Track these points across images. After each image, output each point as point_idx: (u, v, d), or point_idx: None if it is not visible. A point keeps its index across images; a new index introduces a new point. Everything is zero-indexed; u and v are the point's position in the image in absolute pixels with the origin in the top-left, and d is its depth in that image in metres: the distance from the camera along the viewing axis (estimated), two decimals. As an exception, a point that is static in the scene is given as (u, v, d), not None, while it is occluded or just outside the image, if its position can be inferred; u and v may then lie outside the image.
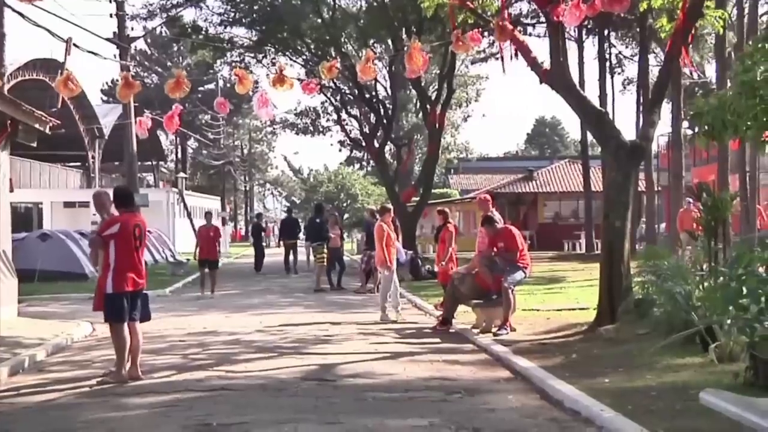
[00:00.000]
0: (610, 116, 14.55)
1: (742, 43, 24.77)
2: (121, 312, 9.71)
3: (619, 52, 42.00)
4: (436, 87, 32.13)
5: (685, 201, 22.13)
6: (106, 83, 75.68)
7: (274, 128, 70.69)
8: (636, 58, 37.44)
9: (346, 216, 56.91)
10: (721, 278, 10.05)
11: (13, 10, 16.59)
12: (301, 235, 29.28)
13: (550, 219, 45.48)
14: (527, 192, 45.99)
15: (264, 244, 32.76)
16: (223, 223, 52.98)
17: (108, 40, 26.64)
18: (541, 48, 15.74)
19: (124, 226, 9.74)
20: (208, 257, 21.41)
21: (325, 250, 22.86)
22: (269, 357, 11.54)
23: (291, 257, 29.78)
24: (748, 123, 9.01)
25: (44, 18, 76.26)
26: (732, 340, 8.91)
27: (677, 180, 29.64)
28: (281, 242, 30.72)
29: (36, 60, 36.66)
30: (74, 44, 16.57)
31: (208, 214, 23.44)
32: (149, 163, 64.02)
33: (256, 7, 33.51)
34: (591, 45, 38.57)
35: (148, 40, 66.18)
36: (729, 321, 8.91)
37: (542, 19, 22.12)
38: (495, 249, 13.24)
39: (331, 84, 34.02)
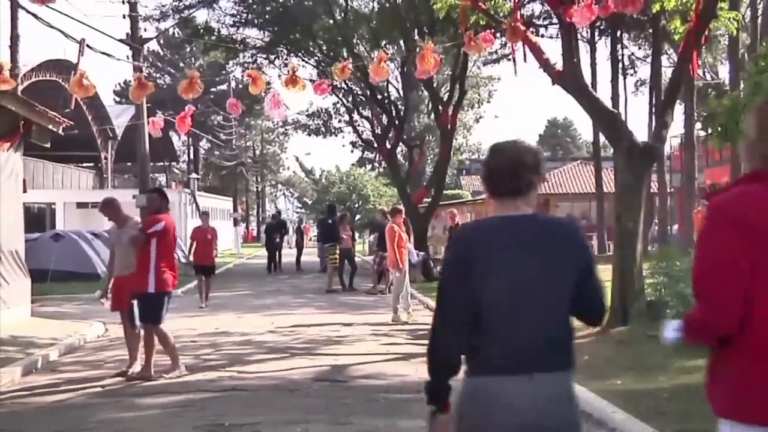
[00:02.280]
0: (623, 117, 14.52)
1: (755, 45, 24.68)
2: (161, 312, 9.76)
3: (632, 54, 41.88)
4: (448, 88, 32.08)
5: (700, 202, 22.02)
6: (119, 84, 75.74)
7: (286, 129, 70.62)
8: (648, 60, 37.34)
9: (357, 217, 56.86)
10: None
11: (27, 12, 16.64)
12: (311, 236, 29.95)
13: (562, 220, 45.33)
14: (539, 193, 45.08)
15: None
16: (235, 223, 53.04)
17: (121, 41, 26.68)
18: (553, 49, 15.71)
19: (168, 225, 9.81)
20: (204, 262, 19.02)
21: (337, 251, 22.88)
22: (281, 358, 11.57)
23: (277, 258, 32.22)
24: (762, 124, 8.98)
25: (57, 19, 76.48)
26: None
27: (690, 181, 29.57)
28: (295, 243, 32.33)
29: (49, 61, 36.78)
30: (87, 45, 16.63)
31: (204, 215, 20.51)
32: (161, 163, 64.10)
33: (268, 8, 33.55)
34: (603, 46, 38.46)
35: (161, 41, 66.30)
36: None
37: (555, 20, 22.08)
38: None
39: (343, 85, 34.01)
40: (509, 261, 3.15)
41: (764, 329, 2.76)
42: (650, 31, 32.43)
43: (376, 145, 38.03)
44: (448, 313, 3.16)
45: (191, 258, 19.62)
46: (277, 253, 32.36)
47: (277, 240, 32.26)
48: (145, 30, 30.86)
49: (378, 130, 36.51)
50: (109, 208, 10.42)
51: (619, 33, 35.72)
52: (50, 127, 15.67)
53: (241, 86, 47.04)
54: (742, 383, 2.79)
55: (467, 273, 3.11)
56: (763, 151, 2.94)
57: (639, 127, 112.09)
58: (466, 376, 3.17)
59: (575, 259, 3.27)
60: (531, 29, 17.51)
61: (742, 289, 2.79)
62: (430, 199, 32.07)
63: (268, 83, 22.09)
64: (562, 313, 3.23)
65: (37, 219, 39.38)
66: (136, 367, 10.08)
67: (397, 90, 41.29)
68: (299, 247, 34.72)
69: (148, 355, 9.87)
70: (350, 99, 39.35)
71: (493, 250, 3.16)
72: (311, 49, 34.36)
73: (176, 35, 51.95)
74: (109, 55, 19.02)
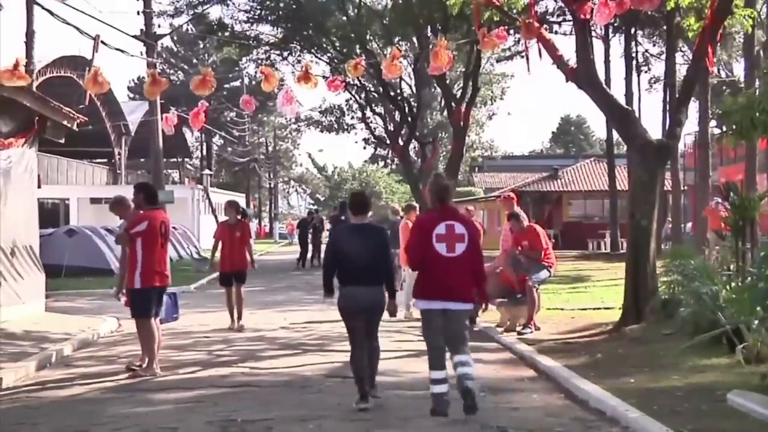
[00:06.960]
0: (637, 115, 14.45)
1: (771, 42, 24.53)
2: (149, 307, 9.80)
3: (646, 51, 41.72)
4: (461, 85, 32.12)
5: (713, 200, 21.91)
6: (133, 80, 75.99)
7: (298, 126, 70.72)
8: (663, 57, 37.16)
9: (370, 214, 56.86)
10: (749, 278, 9.97)
11: (43, 8, 16.75)
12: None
13: (575, 218, 45.17)
14: (552, 190, 45.67)
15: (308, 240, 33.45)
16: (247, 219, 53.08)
17: (135, 37, 26.78)
18: (567, 46, 15.64)
19: (152, 224, 9.83)
20: (233, 269, 14.26)
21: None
22: (293, 354, 11.59)
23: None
24: (777, 122, 8.93)
25: (72, 15, 76.74)
26: (759, 341, 8.83)
27: (704, 179, 29.41)
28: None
29: (64, 57, 36.92)
30: (102, 41, 16.72)
31: (232, 205, 14.98)
32: (175, 159, 64.37)
33: (281, 5, 33.61)
34: (617, 43, 38.42)
35: (175, 38, 66.43)
36: (756, 321, 8.84)
37: (569, 16, 22.00)
38: (519, 248, 13.17)
39: (356, 81, 34.04)
40: (351, 241, 8.01)
41: (427, 265, 7.51)
42: (664, 28, 32.29)
43: (388, 141, 38.09)
44: (328, 262, 8.16)
45: (215, 263, 15.59)
46: (312, 247, 32.64)
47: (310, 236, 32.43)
48: (159, 26, 31.10)
49: (390, 127, 36.58)
50: (119, 206, 10.51)
51: (633, 30, 35.60)
52: (64, 123, 15.72)
53: (254, 83, 47.04)
54: (420, 284, 7.67)
55: (335, 247, 8.12)
56: (431, 202, 7.80)
57: (653, 124, 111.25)
58: (340, 286, 7.96)
59: (377, 241, 8.07)
60: (545, 26, 17.45)
61: (421, 252, 7.53)
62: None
63: (281, 80, 22.11)
64: (378, 262, 7.94)
65: (51, 214, 39.56)
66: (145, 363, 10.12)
67: (410, 87, 41.29)
68: (313, 244, 34.76)
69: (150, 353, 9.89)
70: (363, 96, 39.40)
71: (346, 237, 8.27)
72: (324, 45, 34.42)
73: (190, 31, 52.05)
74: (123, 52, 19.22)
